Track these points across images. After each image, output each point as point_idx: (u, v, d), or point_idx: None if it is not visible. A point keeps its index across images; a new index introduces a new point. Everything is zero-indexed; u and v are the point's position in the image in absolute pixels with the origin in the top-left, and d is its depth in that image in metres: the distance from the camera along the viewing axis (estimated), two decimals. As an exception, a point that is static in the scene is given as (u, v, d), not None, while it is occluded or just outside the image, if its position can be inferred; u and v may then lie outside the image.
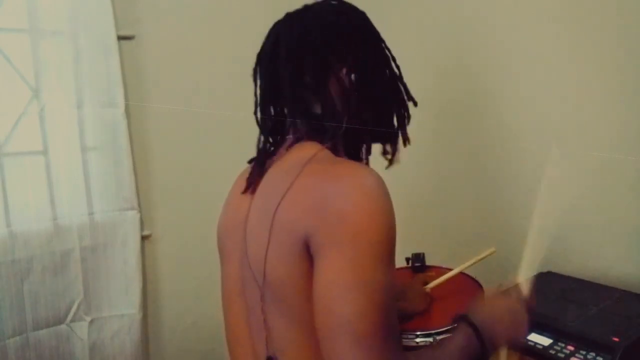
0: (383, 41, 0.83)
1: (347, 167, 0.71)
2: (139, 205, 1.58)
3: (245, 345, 0.79)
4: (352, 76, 0.78)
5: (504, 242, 1.40)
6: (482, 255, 1.19)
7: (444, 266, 1.29)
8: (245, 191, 0.81)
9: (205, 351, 1.72)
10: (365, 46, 0.80)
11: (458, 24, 1.50)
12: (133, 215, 1.55)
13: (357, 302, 0.61)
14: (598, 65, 1.19)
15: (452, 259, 1.27)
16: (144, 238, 1.61)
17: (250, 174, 0.81)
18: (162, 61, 1.60)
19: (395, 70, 0.84)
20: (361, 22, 0.82)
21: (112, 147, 1.50)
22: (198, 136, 1.67)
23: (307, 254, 0.66)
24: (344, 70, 0.78)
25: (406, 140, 0.85)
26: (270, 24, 0.86)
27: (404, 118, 0.85)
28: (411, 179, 1.61)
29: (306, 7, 0.82)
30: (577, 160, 1.24)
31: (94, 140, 1.47)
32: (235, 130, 1.69)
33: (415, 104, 0.85)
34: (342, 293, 0.61)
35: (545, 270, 1.28)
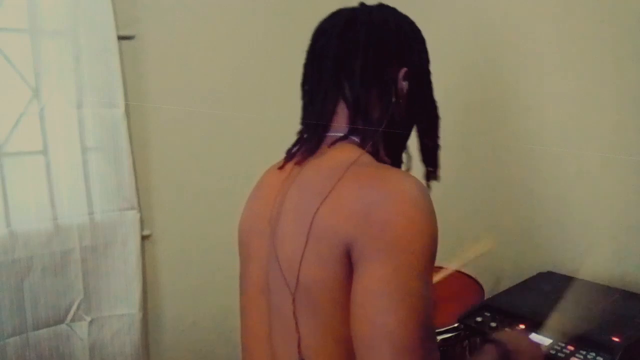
0: (429, 60, 0.84)
1: (391, 174, 0.69)
2: (139, 205, 1.58)
3: (264, 346, 0.77)
4: (405, 83, 0.78)
5: (503, 241, 1.40)
6: (480, 251, 1.19)
7: (443, 266, 1.29)
8: (287, 162, 0.79)
9: (205, 351, 1.72)
10: (423, 55, 0.81)
11: (458, 27, 1.50)
12: (133, 215, 1.55)
13: (398, 312, 0.59)
14: (598, 65, 1.19)
15: (452, 259, 1.27)
16: (144, 238, 1.61)
17: (300, 152, 0.78)
18: (162, 61, 1.60)
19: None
20: (420, 33, 0.83)
21: (112, 147, 1.50)
22: (198, 136, 1.66)
23: (347, 261, 0.65)
24: (403, 72, 0.77)
25: (435, 164, 0.87)
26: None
27: (437, 140, 0.86)
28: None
29: (370, 7, 0.81)
30: (577, 160, 1.24)
31: (94, 140, 1.47)
32: (236, 130, 1.70)
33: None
34: (384, 303, 0.60)
35: (545, 270, 1.28)
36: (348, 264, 0.64)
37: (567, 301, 1.09)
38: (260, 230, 0.79)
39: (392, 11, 0.81)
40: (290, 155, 0.82)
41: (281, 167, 0.82)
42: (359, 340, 0.61)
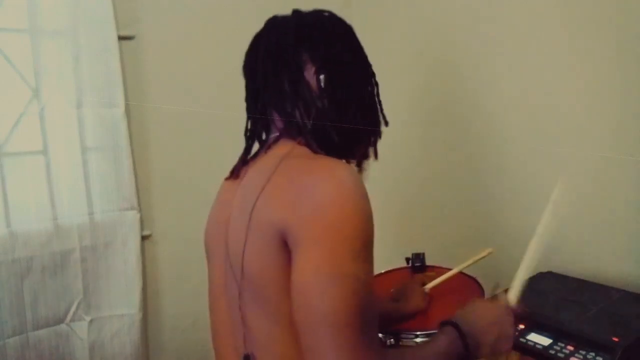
0: (364, 56, 0.86)
1: (322, 162, 0.72)
2: (139, 205, 1.58)
3: (227, 342, 0.80)
4: (322, 77, 0.79)
5: (503, 242, 1.40)
6: (480, 255, 1.19)
7: (443, 266, 1.29)
8: (232, 177, 0.85)
9: (205, 351, 1.71)
10: (339, 51, 0.82)
11: (451, 23, 1.50)
12: (133, 215, 1.55)
13: (334, 296, 0.61)
14: (598, 65, 1.19)
15: (452, 259, 1.27)
16: (144, 238, 1.61)
17: (237, 163, 0.86)
18: (162, 61, 1.60)
19: (374, 86, 0.86)
20: (342, 30, 0.85)
21: (112, 147, 1.50)
22: (198, 136, 1.67)
23: (285, 249, 0.67)
24: (313, 70, 0.79)
25: (374, 154, 0.87)
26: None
27: (375, 134, 0.87)
28: (411, 179, 1.61)
29: (293, 11, 0.85)
30: (577, 160, 1.24)
31: (94, 140, 1.47)
32: (236, 130, 1.70)
33: (387, 123, 0.87)
34: (319, 287, 0.62)
35: (545, 270, 1.28)
36: (286, 251, 0.67)
37: (567, 301, 1.09)
38: (217, 233, 0.84)
39: (314, 14, 0.85)
40: (234, 169, 0.88)
41: (228, 178, 0.88)
42: (300, 325, 0.64)
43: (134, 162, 1.55)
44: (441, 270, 1.24)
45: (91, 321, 1.50)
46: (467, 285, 1.21)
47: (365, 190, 0.67)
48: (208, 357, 1.71)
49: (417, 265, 1.33)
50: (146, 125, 1.60)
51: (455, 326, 0.75)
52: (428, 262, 1.35)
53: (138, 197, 1.57)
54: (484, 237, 1.47)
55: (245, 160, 0.85)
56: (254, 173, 0.79)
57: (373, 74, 0.86)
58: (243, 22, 1.70)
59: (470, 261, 1.19)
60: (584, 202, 1.25)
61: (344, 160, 0.81)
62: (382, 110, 0.87)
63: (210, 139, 1.68)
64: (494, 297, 0.84)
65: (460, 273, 1.21)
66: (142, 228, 1.59)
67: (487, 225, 1.48)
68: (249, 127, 0.86)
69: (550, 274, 1.26)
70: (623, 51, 1.14)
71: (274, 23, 0.84)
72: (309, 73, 0.79)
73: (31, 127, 1.37)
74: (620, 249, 1.20)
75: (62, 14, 1.39)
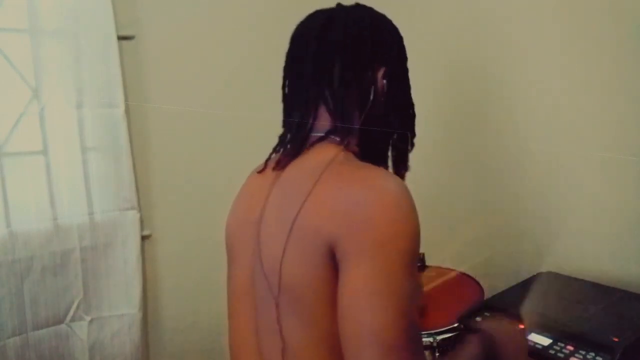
0: (407, 59, 0.84)
1: (372, 173, 0.69)
2: (139, 205, 1.58)
3: (251, 346, 0.77)
4: (384, 82, 0.77)
5: (502, 242, 1.40)
6: (480, 256, 1.19)
7: (443, 266, 1.29)
8: (275, 168, 0.79)
9: (205, 351, 1.72)
10: (401, 54, 0.81)
11: (459, 23, 1.50)
12: (133, 215, 1.55)
13: (386, 311, 0.60)
14: (599, 65, 1.19)
15: (452, 259, 1.27)
16: (144, 238, 1.61)
17: (283, 154, 0.79)
18: (162, 61, 1.60)
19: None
20: (397, 33, 0.83)
21: (112, 147, 1.50)
22: (198, 136, 1.67)
23: (331, 261, 0.64)
24: (382, 71, 0.77)
25: (406, 165, 0.85)
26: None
27: (412, 144, 0.85)
28: (411, 179, 1.61)
29: (346, 7, 0.81)
30: (577, 160, 1.24)
31: (94, 140, 1.47)
32: (236, 130, 1.70)
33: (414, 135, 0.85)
34: (371, 302, 0.60)
35: (545, 270, 1.28)
36: (332, 263, 0.65)
37: (567, 301, 1.09)
38: (245, 232, 0.79)
39: (369, 10, 0.82)
40: (272, 159, 0.83)
41: (261, 171, 0.83)
42: (347, 340, 0.62)
43: (134, 162, 1.55)
44: (441, 271, 1.24)
45: (91, 321, 1.49)
46: (466, 285, 1.21)
47: (413, 204, 0.65)
48: (208, 357, 1.72)
49: (417, 265, 1.32)
50: (146, 125, 1.60)
51: (485, 333, 0.77)
52: (428, 262, 1.35)
53: (138, 197, 1.57)
54: (484, 237, 1.47)
55: (286, 152, 0.79)
56: (295, 175, 0.75)
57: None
58: (243, 22, 1.72)
59: (470, 262, 1.19)
60: (584, 202, 1.25)
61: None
62: (414, 115, 0.85)
63: (210, 139, 1.68)
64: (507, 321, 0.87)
65: (460, 273, 1.21)
66: (142, 228, 1.59)
67: (487, 226, 1.48)
68: (292, 116, 0.80)
69: (550, 274, 1.26)
70: (623, 51, 1.14)
71: (336, 18, 0.78)
72: (376, 75, 0.77)
73: (31, 127, 1.37)
74: (620, 249, 1.20)
75: (62, 14, 1.39)
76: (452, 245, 1.56)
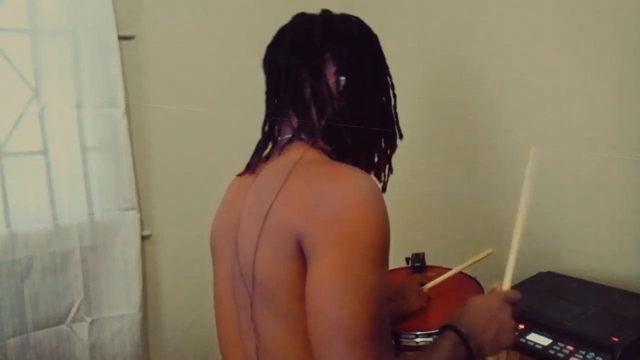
0: (386, 67, 0.85)
1: (340, 169, 0.71)
2: (139, 205, 1.58)
3: (236, 347, 0.79)
4: (342, 79, 0.78)
5: (502, 242, 1.40)
6: (480, 256, 1.19)
7: (443, 266, 1.29)
8: (249, 173, 0.83)
9: (205, 351, 1.72)
10: (362, 56, 0.81)
11: (455, 24, 1.50)
12: (133, 215, 1.55)
13: (351, 304, 0.61)
14: (598, 65, 1.19)
15: (452, 259, 1.27)
16: (144, 238, 1.61)
17: (252, 159, 0.84)
18: (162, 61, 1.60)
19: (392, 98, 0.85)
20: (367, 37, 0.84)
21: (112, 147, 1.50)
22: (198, 136, 1.67)
23: (300, 255, 0.66)
24: (334, 70, 0.78)
25: (389, 170, 0.86)
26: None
27: (390, 146, 0.86)
28: (411, 179, 1.61)
29: (322, 11, 0.84)
30: (577, 160, 1.24)
31: (94, 140, 1.47)
32: (236, 130, 1.70)
33: (401, 136, 0.87)
34: (336, 295, 0.61)
35: (545, 270, 1.28)
36: (301, 257, 0.66)
37: (567, 301, 1.09)
38: (226, 234, 0.82)
39: (332, 14, 0.84)
40: (249, 164, 0.85)
41: (242, 174, 0.86)
42: (314, 333, 0.63)
43: (134, 162, 1.55)
44: (441, 270, 1.24)
45: (92, 322, 1.50)
46: (467, 285, 1.21)
47: (382, 198, 0.66)
48: (208, 357, 1.72)
49: (417, 265, 1.32)
50: (146, 125, 1.60)
51: (455, 330, 0.74)
52: (428, 262, 1.34)
53: (138, 197, 1.57)
54: (484, 237, 1.47)
55: (260, 157, 0.83)
56: (268, 175, 0.78)
57: (392, 86, 0.85)
58: (243, 22, 1.71)
59: (470, 261, 1.19)
60: (584, 202, 1.25)
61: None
62: (397, 122, 0.86)
63: (210, 139, 1.68)
64: (489, 296, 0.83)
65: (460, 273, 1.21)
66: (142, 228, 1.59)
67: (487, 226, 1.48)
68: (267, 123, 0.85)
69: (550, 274, 1.26)
70: (624, 51, 1.14)
71: (302, 18, 0.83)
72: (330, 72, 0.78)
73: (31, 127, 1.37)
74: (620, 249, 1.20)
75: (62, 14, 1.39)
76: (452, 245, 1.56)
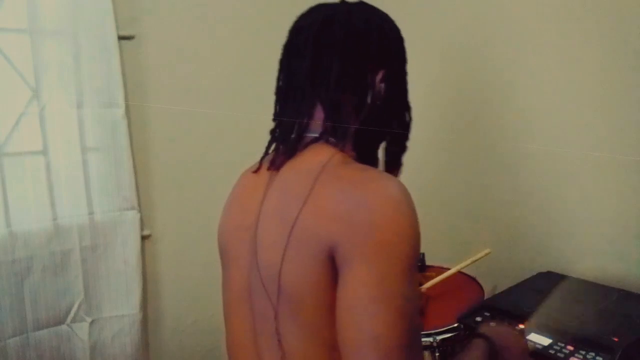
0: (406, 61, 0.82)
1: (372, 175, 0.68)
2: (139, 205, 1.58)
3: (249, 354, 0.76)
4: (383, 85, 0.76)
5: (502, 241, 1.40)
6: (478, 256, 1.19)
7: (443, 266, 1.29)
8: (269, 168, 0.76)
9: (205, 351, 1.72)
10: (401, 56, 0.79)
11: (459, 22, 1.50)
12: (133, 215, 1.55)
13: (386, 317, 0.59)
14: (598, 65, 1.19)
15: (452, 259, 1.27)
16: (144, 238, 1.61)
17: (277, 154, 0.76)
18: (162, 61, 1.60)
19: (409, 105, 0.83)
20: (399, 34, 0.80)
21: (112, 147, 1.50)
22: (198, 136, 1.67)
23: (331, 265, 0.63)
24: (381, 74, 0.76)
25: (399, 167, 0.84)
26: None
27: (406, 140, 0.83)
28: (410, 180, 1.61)
29: (349, 4, 0.79)
30: (577, 160, 1.24)
31: (94, 141, 1.47)
32: (236, 130, 1.70)
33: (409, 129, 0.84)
34: (371, 307, 0.59)
35: (545, 270, 1.28)
36: (332, 267, 0.63)
37: (567, 301, 1.09)
38: (240, 237, 0.77)
39: (372, 9, 0.79)
40: (266, 158, 0.80)
41: (256, 171, 0.80)
42: (346, 345, 0.61)
43: (134, 162, 1.55)
44: (441, 271, 1.24)
45: (92, 322, 1.50)
46: (466, 285, 1.21)
47: (414, 207, 0.64)
48: (208, 357, 1.72)
49: (417, 265, 1.32)
50: (146, 125, 1.60)
51: (490, 340, 0.76)
52: (428, 262, 1.35)
53: (138, 197, 1.57)
54: (484, 237, 1.47)
55: (279, 154, 0.76)
56: (292, 177, 0.72)
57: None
58: (243, 22, 1.71)
59: (468, 261, 1.19)
60: (584, 202, 1.25)
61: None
62: (410, 115, 0.83)
63: (210, 139, 1.68)
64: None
65: (459, 273, 1.21)
66: (142, 228, 1.59)
67: (487, 226, 1.48)
68: (287, 116, 0.77)
69: (550, 274, 1.26)
70: (624, 51, 1.14)
71: (345, 8, 0.76)
72: (374, 76, 0.75)
73: (31, 127, 1.37)
74: (620, 249, 1.20)
75: (62, 14, 1.39)
76: (451, 245, 1.56)
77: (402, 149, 0.83)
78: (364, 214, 0.62)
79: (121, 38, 1.49)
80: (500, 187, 1.44)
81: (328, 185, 0.66)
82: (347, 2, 0.80)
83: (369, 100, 0.75)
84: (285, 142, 0.76)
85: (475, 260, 1.19)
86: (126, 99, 1.50)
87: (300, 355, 0.68)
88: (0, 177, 1.33)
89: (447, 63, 1.55)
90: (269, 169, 0.77)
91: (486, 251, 1.18)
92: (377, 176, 0.68)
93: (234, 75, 1.68)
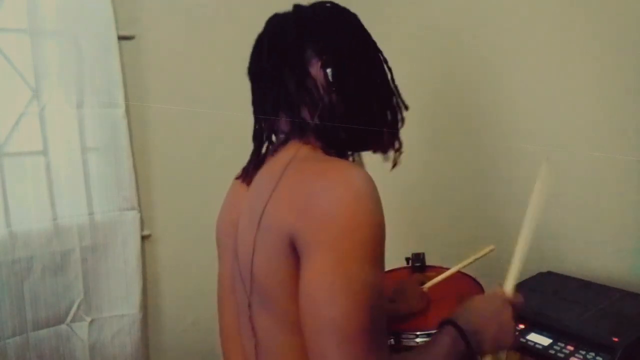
0: (372, 44, 0.81)
1: (332, 165, 0.70)
2: (139, 205, 1.58)
3: (236, 344, 0.80)
4: (329, 70, 0.75)
5: (503, 241, 1.40)
6: (481, 253, 1.19)
7: (444, 266, 1.29)
8: (243, 179, 0.83)
9: (205, 351, 1.72)
10: (345, 41, 0.78)
11: (456, 25, 1.50)
12: (133, 215, 1.55)
13: (342, 303, 0.60)
14: (598, 65, 1.19)
15: (452, 259, 1.27)
16: (144, 238, 1.61)
17: (247, 164, 0.83)
18: (162, 61, 1.60)
19: (387, 72, 0.82)
20: (346, 19, 0.80)
21: (112, 147, 1.50)
22: (198, 136, 1.67)
23: (294, 255, 0.65)
24: (319, 64, 0.76)
25: (398, 145, 0.83)
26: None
27: (396, 122, 0.82)
28: (411, 179, 1.61)
29: (294, 7, 0.82)
30: (577, 160, 1.24)
31: (94, 140, 1.47)
32: (235, 130, 1.70)
33: (407, 107, 0.83)
34: (328, 294, 0.60)
35: (545, 270, 1.28)
36: (295, 257, 0.65)
37: (567, 301, 1.09)
38: (228, 233, 0.82)
39: (314, 5, 0.81)
40: (248, 166, 0.84)
41: (239, 177, 0.85)
42: (307, 331, 0.63)
43: (134, 162, 1.55)
44: (441, 270, 1.23)
45: (92, 322, 1.50)
46: (467, 284, 1.21)
47: (376, 194, 0.64)
48: (208, 357, 1.72)
49: (417, 265, 1.32)
50: (146, 125, 1.60)
51: (455, 325, 0.73)
52: (428, 262, 1.34)
53: (138, 197, 1.57)
54: (485, 237, 1.47)
55: (256, 162, 0.82)
56: (261, 178, 0.77)
57: (385, 60, 0.82)
58: (243, 22, 1.70)
59: (471, 259, 1.18)
60: (584, 202, 1.25)
61: (353, 162, 0.80)
62: (399, 95, 0.83)
63: (209, 139, 1.68)
64: (491, 291, 0.83)
65: (461, 272, 1.20)
66: (142, 228, 1.59)
67: (487, 225, 1.48)
68: (256, 128, 0.82)
69: (550, 274, 1.26)
70: (624, 52, 1.14)
71: (275, 21, 0.81)
72: (315, 68, 0.76)
73: (31, 127, 1.37)
74: (620, 249, 1.20)
75: (62, 14, 1.39)
76: (452, 245, 1.56)
77: (387, 144, 0.82)
78: (319, 202, 0.63)
79: (121, 38, 1.49)
80: (501, 186, 1.44)
81: (291, 178, 0.69)
82: (299, 6, 0.82)
83: (321, 91, 0.76)
84: (255, 154, 0.82)
85: (480, 257, 1.18)
86: (126, 99, 1.50)
87: (271, 342, 0.71)
88: (0, 177, 1.33)
89: (447, 63, 1.55)
90: (242, 180, 0.83)
91: (490, 247, 1.17)
92: (335, 165, 0.69)
93: (234, 75, 1.68)
